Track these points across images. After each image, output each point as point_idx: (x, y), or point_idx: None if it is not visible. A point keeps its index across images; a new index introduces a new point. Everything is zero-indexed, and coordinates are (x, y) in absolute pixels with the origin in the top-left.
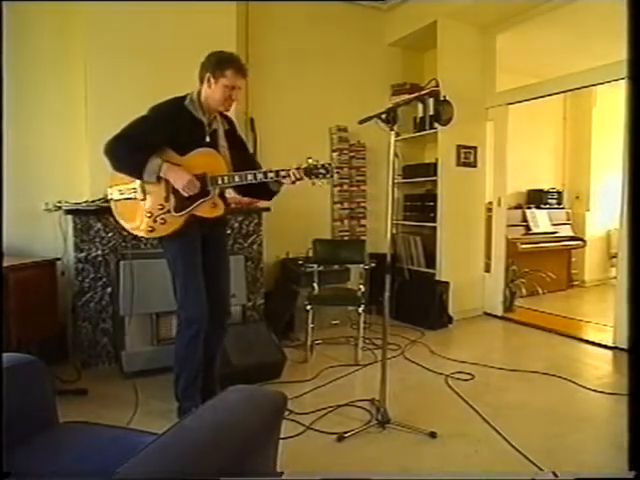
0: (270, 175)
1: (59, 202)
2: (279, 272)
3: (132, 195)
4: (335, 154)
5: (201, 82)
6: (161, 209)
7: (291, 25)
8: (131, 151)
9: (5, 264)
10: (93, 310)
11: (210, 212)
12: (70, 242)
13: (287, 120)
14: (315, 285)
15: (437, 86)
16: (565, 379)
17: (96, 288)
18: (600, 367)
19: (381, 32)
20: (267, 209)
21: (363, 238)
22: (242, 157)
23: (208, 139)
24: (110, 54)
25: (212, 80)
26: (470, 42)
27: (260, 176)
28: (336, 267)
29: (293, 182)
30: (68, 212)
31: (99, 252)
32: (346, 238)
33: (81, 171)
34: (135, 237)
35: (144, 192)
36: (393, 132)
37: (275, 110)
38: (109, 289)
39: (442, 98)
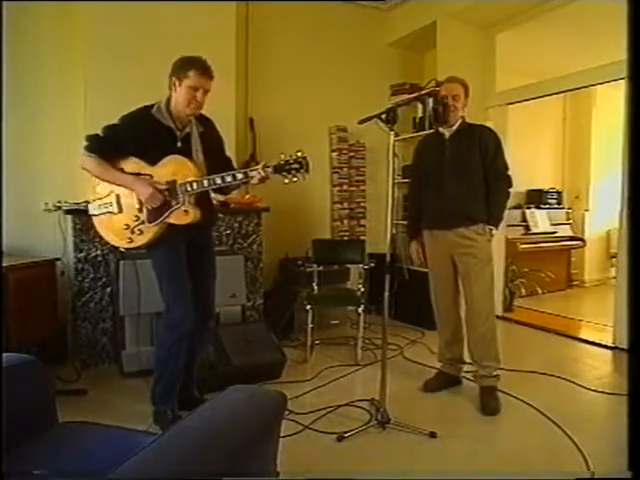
0: (239, 177)
1: (59, 202)
2: (279, 272)
3: (109, 209)
4: (335, 154)
5: (169, 89)
6: (136, 220)
7: (291, 25)
8: (100, 165)
9: (5, 264)
10: (93, 310)
11: (182, 219)
12: (70, 242)
13: (287, 120)
14: (315, 285)
15: (437, 86)
16: (565, 379)
17: (96, 288)
18: (600, 367)
19: (381, 32)
20: (267, 209)
21: (363, 238)
22: (216, 158)
23: (179, 144)
24: (109, 55)
25: (177, 83)
26: (470, 42)
27: (229, 179)
28: (336, 267)
29: (261, 181)
30: (68, 212)
31: (99, 252)
32: (346, 238)
33: (81, 171)
34: None
35: (119, 205)
36: (393, 132)
37: (275, 110)
38: (109, 289)
39: (439, 99)
